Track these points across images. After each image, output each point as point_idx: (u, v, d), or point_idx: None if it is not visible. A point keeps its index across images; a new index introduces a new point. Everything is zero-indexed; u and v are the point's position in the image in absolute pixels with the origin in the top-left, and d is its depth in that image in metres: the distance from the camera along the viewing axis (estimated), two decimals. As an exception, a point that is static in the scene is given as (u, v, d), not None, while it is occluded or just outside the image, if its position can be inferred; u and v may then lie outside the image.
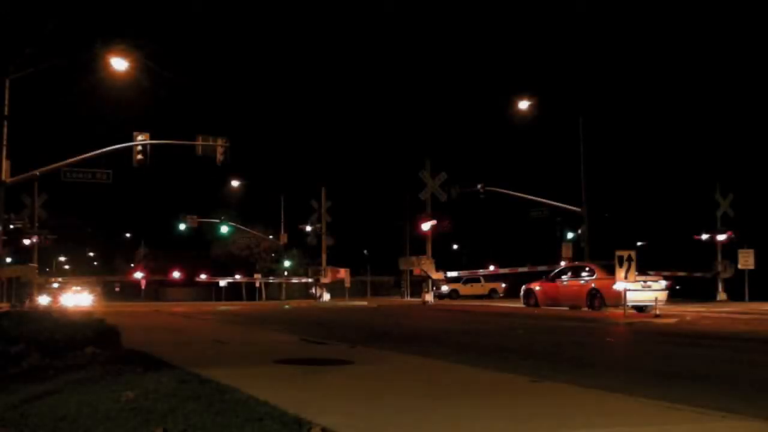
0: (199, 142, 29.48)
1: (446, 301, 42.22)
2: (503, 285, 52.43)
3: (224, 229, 60.15)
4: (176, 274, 61.22)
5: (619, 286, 21.33)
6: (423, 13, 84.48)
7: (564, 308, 24.97)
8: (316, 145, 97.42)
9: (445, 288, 49.44)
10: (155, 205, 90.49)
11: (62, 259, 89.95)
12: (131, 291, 64.98)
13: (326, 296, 45.18)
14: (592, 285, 23.97)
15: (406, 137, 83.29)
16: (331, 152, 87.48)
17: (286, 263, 60.62)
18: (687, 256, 41.05)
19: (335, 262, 48.45)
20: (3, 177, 25.86)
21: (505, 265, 46.45)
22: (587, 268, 25.37)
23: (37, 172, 28.76)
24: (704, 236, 39.32)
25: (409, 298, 47.31)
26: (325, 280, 46.20)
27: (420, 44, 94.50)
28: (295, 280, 58.13)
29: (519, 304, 27.97)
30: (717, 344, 12.32)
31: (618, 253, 21.07)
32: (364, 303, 37.90)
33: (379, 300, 45.40)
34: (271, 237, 60.04)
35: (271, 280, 59.54)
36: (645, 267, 23.96)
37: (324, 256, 47.78)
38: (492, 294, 52.12)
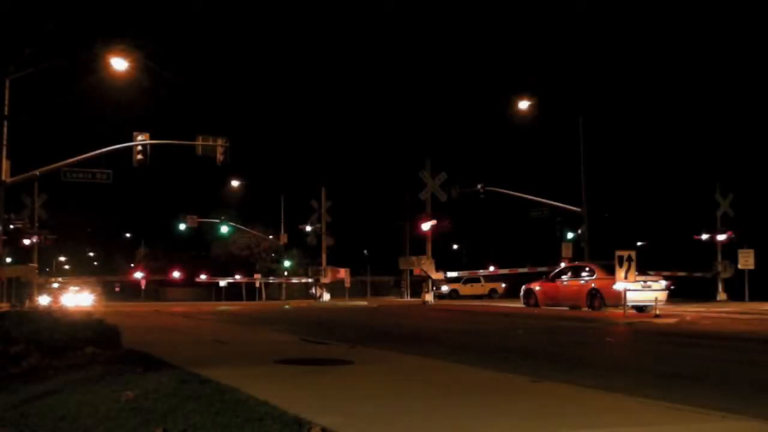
0: (199, 142, 29.48)
1: (446, 301, 42.19)
2: (503, 285, 52.46)
3: (224, 229, 60.18)
4: (176, 274, 61.21)
5: (619, 286, 21.33)
6: (423, 13, 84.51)
7: (564, 308, 24.97)
8: (316, 145, 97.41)
9: (445, 288, 49.45)
10: (155, 205, 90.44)
11: (62, 259, 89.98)
12: (131, 291, 64.94)
13: (326, 296, 45.18)
14: (592, 285, 23.97)
15: (406, 137, 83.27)
16: (331, 152, 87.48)
17: (286, 263, 60.62)
18: (687, 256, 41.04)
19: (335, 262, 48.45)
20: (3, 177, 25.87)
21: (505, 265, 46.46)
22: (587, 268, 25.37)
23: (37, 172, 28.76)
24: (704, 236, 39.32)
25: (409, 298, 47.32)
26: (325, 280, 46.20)
27: (420, 44, 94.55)
28: (295, 280, 58.12)
29: (519, 304, 27.97)
30: (717, 344, 12.32)
31: (618, 253, 21.06)
32: (364, 303, 37.90)
33: (379, 300, 45.40)
34: (271, 237, 60.04)
35: (271, 280, 59.53)
36: (645, 267, 23.95)
37: (324, 256, 47.79)
38: (492, 294, 52.15)
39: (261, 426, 4.67)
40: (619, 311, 21.03)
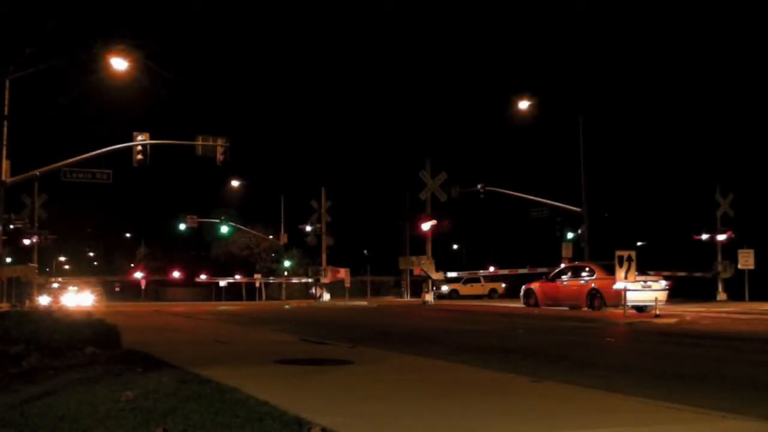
0: (199, 142, 29.50)
1: (446, 301, 42.18)
2: (503, 285, 52.46)
3: (224, 229, 60.16)
4: (176, 274, 61.24)
5: (619, 286, 21.31)
6: (423, 13, 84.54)
7: (564, 308, 24.97)
8: (316, 145, 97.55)
9: (445, 288, 49.45)
10: (155, 205, 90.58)
11: (62, 259, 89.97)
12: (131, 291, 64.97)
13: (326, 296, 45.19)
14: (592, 285, 23.97)
15: (406, 137, 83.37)
16: (331, 152, 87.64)
17: (286, 263, 60.60)
18: (687, 256, 41.04)
19: (335, 262, 48.46)
20: (3, 177, 25.87)
21: (505, 265, 46.49)
22: (587, 268, 25.37)
23: (37, 172, 28.77)
24: (704, 236, 39.33)
25: (409, 298, 47.31)
26: (325, 280, 46.21)
27: (420, 44, 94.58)
28: (295, 280, 58.11)
29: (519, 304, 27.97)
30: (717, 344, 12.32)
31: (618, 253, 21.05)
32: (364, 303, 37.89)
33: (379, 300, 45.41)
34: (271, 237, 60.03)
35: (271, 280, 59.51)
36: (645, 267, 23.94)
37: (324, 256, 47.80)
38: (492, 294, 52.15)
39: (261, 426, 4.66)
40: (619, 311, 21.02)
